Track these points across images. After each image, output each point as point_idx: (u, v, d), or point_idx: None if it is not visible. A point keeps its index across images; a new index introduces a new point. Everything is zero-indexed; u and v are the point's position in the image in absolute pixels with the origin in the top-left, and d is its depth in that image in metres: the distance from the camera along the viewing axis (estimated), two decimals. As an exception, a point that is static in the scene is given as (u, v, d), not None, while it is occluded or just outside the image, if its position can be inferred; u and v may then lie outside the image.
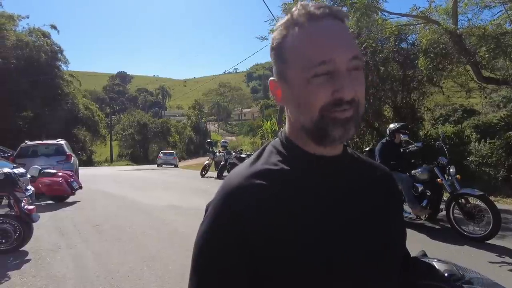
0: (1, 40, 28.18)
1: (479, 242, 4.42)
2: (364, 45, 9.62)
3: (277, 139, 0.70)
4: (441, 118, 14.68)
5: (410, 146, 5.57)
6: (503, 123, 9.64)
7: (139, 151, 48.15)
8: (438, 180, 5.16)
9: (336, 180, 0.64)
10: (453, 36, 8.52)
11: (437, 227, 5.42)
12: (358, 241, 0.61)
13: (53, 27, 35.43)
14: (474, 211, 4.61)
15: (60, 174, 8.63)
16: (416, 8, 9.13)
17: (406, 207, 5.23)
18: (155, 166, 30.32)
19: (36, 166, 8.72)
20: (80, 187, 9.04)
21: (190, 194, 10.23)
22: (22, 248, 4.61)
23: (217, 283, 0.58)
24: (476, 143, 9.10)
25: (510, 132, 8.67)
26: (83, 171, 14.42)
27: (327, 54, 0.57)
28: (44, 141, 12.66)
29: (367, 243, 0.61)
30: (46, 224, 5.98)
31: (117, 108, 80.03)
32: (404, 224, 0.76)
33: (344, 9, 8.00)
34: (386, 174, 0.75)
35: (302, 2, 0.62)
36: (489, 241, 4.40)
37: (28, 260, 4.25)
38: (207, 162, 16.35)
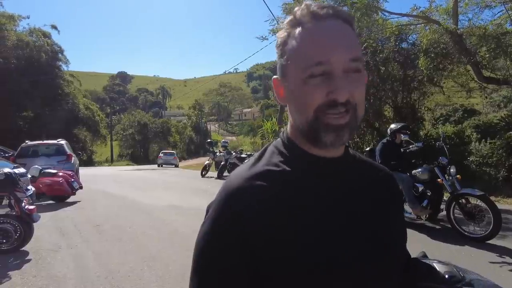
0: (1, 40, 28.18)
1: (479, 242, 4.42)
2: (364, 45, 9.62)
3: (278, 139, 0.70)
4: (441, 118, 14.65)
5: (410, 146, 5.57)
6: (503, 123, 9.63)
7: (140, 151, 48.18)
8: (439, 180, 5.16)
9: (336, 180, 0.64)
10: (453, 36, 8.52)
11: (437, 227, 5.41)
12: (359, 241, 0.61)
13: (54, 27, 35.55)
14: (474, 211, 4.60)
15: (60, 174, 8.64)
16: (417, 8, 9.14)
17: (406, 207, 5.23)
18: (155, 166, 30.35)
19: (36, 166, 8.73)
20: (81, 187, 9.04)
21: (191, 194, 10.23)
22: (23, 248, 4.61)
23: (218, 284, 0.59)
24: (477, 143, 9.09)
25: (511, 132, 8.66)
26: (83, 171, 14.42)
27: (324, 54, 0.57)
28: (45, 141, 12.66)
29: (368, 243, 0.61)
30: (46, 224, 5.99)
31: (118, 108, 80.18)
32: (405, 224, 0.76)
33: (345, 9, 7.99)
34: (387, 175, 0.75)
35: (306, 2, 0.62)
36: (490, 241, 4.40)
37: (29, 260, 4.26)
38: (207, 162, 16.36)
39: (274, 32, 10.75)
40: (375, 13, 9.04)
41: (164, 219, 6.61)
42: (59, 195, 8.47)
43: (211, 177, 14.95)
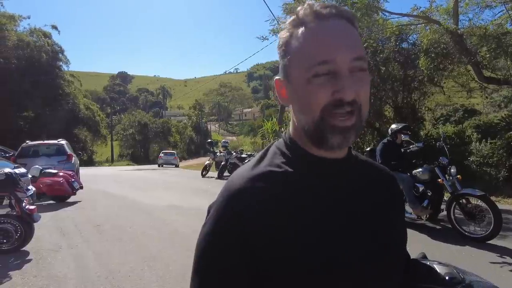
0: (2, 40, 28.20)
1: (480, 243, 4.42)
2: (365, 45, 9.62)
3: (280, 140, 0.70)
4: (442, 118, 14.66)
5: (411, 146, 5.57)
6: (504, 123, 9.62)
7: (140, 151, 48.20)
8: (439, 180, 5.16)
9: (339, 181, 0.64)
10: (454, 36, 8.51)
11: (438, 227, 5.41)
12: (359, 241, 0.61)
13: (54, 27, 35.57)
14: (475, 211, 4.60)
15: (61, 174, 8.65)
16: (417, 8, 9.14)
17: (407, 207, 5.22)
18: (155, 166, 30.38)
19: (37, 166, 8.73)
20: (81, 187, 9.05)
21: (191, 194, 10.23)
22: (23, 248, 4.62)
23: (219, 284, 0.59)
24: (477, 143, 9.08)
25: (511, 132, 8.66)
26: (84, 171, 14.42)
27: (329, 53, 0.57)
28: (45, 141, 12.65)
29: (368, 244, 0.61)
30: (47, 224, 5.99)
31: (118, 108, 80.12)
32: (405, 225, 0.76)
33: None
34: (388, 176, 0.75)
35: (309, 2, 0.62)
36: (490, 242, 4.39)
37: (29, 260, 4.26)
38: (207, 162, 16.36)
39: (274, 32, 10.75)
40: (375, 13, 9.04)
41: (165, 219, 6.62)
42: (60, 195, 8.48)
43: (211, 177, 14.95)
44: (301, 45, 0.60)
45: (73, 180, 8.75)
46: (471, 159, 8.90)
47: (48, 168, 8.93)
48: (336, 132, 0.59)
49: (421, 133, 10.49)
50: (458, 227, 4.75)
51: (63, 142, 11.87)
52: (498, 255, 4.04)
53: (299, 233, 0.57)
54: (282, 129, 15.29)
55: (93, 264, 4.07)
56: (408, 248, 0.74)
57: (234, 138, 50.29)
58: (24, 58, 31.03)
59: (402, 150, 5.61)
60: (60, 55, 36.79)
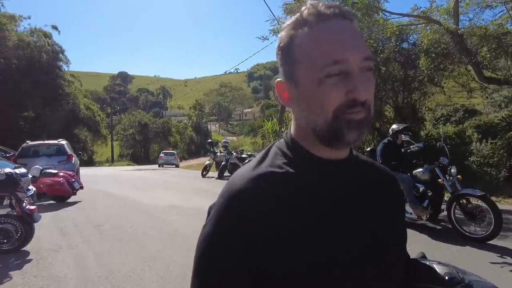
0: (2, 41, 28.21)
1: (480, 243, 4.42)
2: (365, 45, 9.61)
3: (281, 140, 0.69)
4: (442, 118, 14.66)
5: (411, 147, 5.57)
6: (504, 123, 9.61)
7: (140, 151, 48.21)
8: (439, 180, 5.15)
9: (340, 181, 0.64)
10: (454, 36, 8.50)
11: (438, 227, 5.41)
12: (359, 241, 0.61)
13: (54, 27, 35.59)
14: (475, 211, 4.60)
15: (61, 174, 8.65)
16: (417, 8, 9.13)
17: (407, 207, 5.22)
18: (156, 166, 30.40)
19: (37, 166, 8.74)
20: (81, 187, 9.05)
21: (191, 194, 10.24)
22: (24, 248, 4.62)
23: (219, 285, 0.59)
24: (478, 143, 9.08)
25: (511, 132, 8.66)
26: (84, 171, 14.43)
27: (341, 53, 0.57)
28: (45, 141, 12.66)
29: (368, 244, 0.61)
30: (47, 224, 5.99)
31: (118, 108, 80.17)
32: (406, 225, 0.76)
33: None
34: (389, 176, 0.75)
35: (311, 2, 0.62)
36: (491, 242, 4.39)
37: (30, 260, 4.26)
38: (208, 162, 16.37)
39: (274, 32, 10.72)
40: (375, 13, 9.02)
41: (165, 219, 6.62)
42: (60, 195, 8.48)
43: (211, 177, 14.95)
44: (308, 46, 0.59)
45: (73, 180, 8.76)
46: (471, 159, 8.89)
47: (48, 168, 8.94)
48: (352, 127, 0.59)
49: (422, 133, 10.49)
50: (458, 227, 4.75)
51: (64, 142, 11.88)
52: (498, 255, 4.04)
53: (300, 233, 0.57)
54: (283, 129, 15.29)
55: (93, 264, 4.07)
56: (408, 248, 0.74)
57: (235, 138, 50.26)
58: (24, 58, 31.05)
59: (403, 150, 5.61)
60: (61, 55, 36.82)
